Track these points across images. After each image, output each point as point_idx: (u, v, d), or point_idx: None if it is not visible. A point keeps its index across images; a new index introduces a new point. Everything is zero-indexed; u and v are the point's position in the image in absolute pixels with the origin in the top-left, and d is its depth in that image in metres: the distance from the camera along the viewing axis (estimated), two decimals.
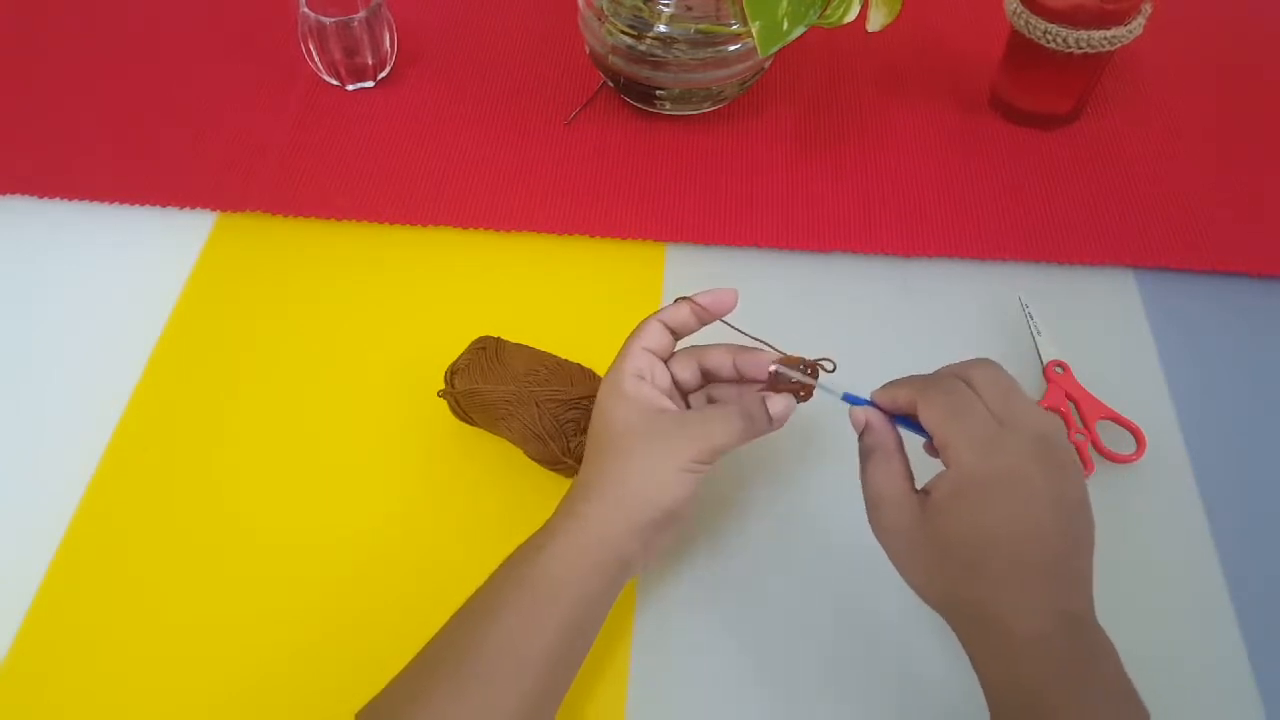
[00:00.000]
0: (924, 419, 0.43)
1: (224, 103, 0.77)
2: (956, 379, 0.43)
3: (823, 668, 0.52)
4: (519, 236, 0.70)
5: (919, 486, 0.44)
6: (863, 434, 0.46)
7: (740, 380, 0.50)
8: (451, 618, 0.45)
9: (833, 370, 0.48)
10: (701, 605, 0.54)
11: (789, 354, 0.48)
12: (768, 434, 0.48)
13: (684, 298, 0.50)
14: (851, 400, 0.46)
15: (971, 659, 0.42)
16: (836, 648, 0.53)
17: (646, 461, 0.46)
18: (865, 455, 0.46)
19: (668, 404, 0.48)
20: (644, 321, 0.50)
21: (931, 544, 0.42)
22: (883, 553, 0.44)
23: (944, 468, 0.42)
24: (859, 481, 0.46)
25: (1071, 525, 0.41)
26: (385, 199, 0.71)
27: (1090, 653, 0.40)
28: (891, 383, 0.46)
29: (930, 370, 0.46)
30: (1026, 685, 0.40)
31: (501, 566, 0.47)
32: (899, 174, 0.73)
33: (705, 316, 0.50)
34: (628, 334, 0.50)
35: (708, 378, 0.51)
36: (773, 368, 0.48)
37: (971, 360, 0.45)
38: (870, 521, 0.45)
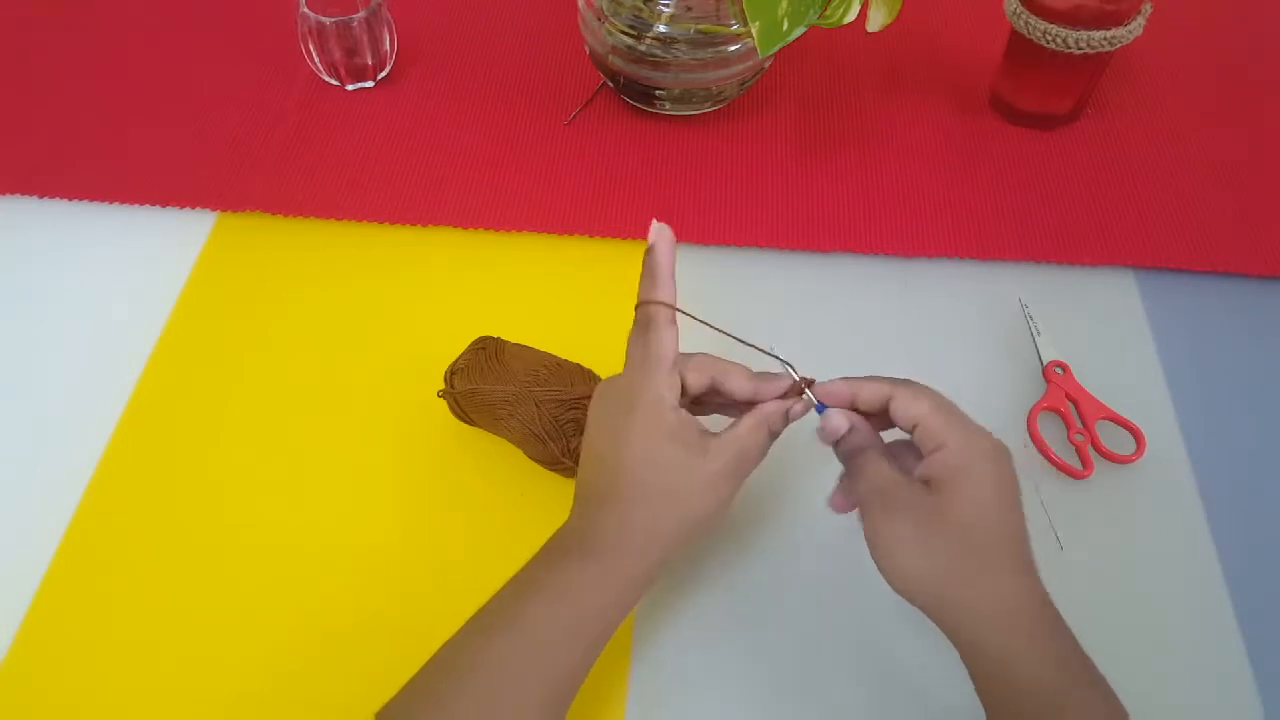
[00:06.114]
0: (907, 411, 0.44)
1: (224, 103, 0.77)
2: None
3: (822, 672, 0.52)
4: (519, 236, 0.70)
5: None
6: (844, 438, 0.46)
7: (751, 404, 0.48)
8: (470, 629, 0.44)
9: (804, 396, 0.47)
10: (701, 610, 0.54)
11: (795, 377, 0.47)
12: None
13: (654, 304, 0.46)
14: (824, 410, 0.46)
15: (964, 655, 0.43)
16: (836, 653, 0.53)
17: (701, 502, 0.45)
18: (853, 455, 0.46)
19: (701, 426, 0.46)
20: (656, 327, 0.46)
21: (930, 523, 0.42)
22: None
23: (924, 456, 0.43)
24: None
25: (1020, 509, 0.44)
26: (385, 199, 0.71)
27: (1066, 632, 0.42)
28: (847, 381, 0.46)
29: (928, 373, 0.46)
30: (1019, 670, 0.41)
31: (531, 586, 0.45)
32: (899, 174, 0.73)
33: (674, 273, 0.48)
34: (627, 334, 0.47)
35: (716, 392, 0.48)
36: (797, 377, 0.47)
37: (897, 379, 0.46)
38: (872, 513, 0.44)
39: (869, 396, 0.45)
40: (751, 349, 0.47)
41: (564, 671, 0.44)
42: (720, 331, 0.48)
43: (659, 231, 0.47)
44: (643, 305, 0.46)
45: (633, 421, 0.45)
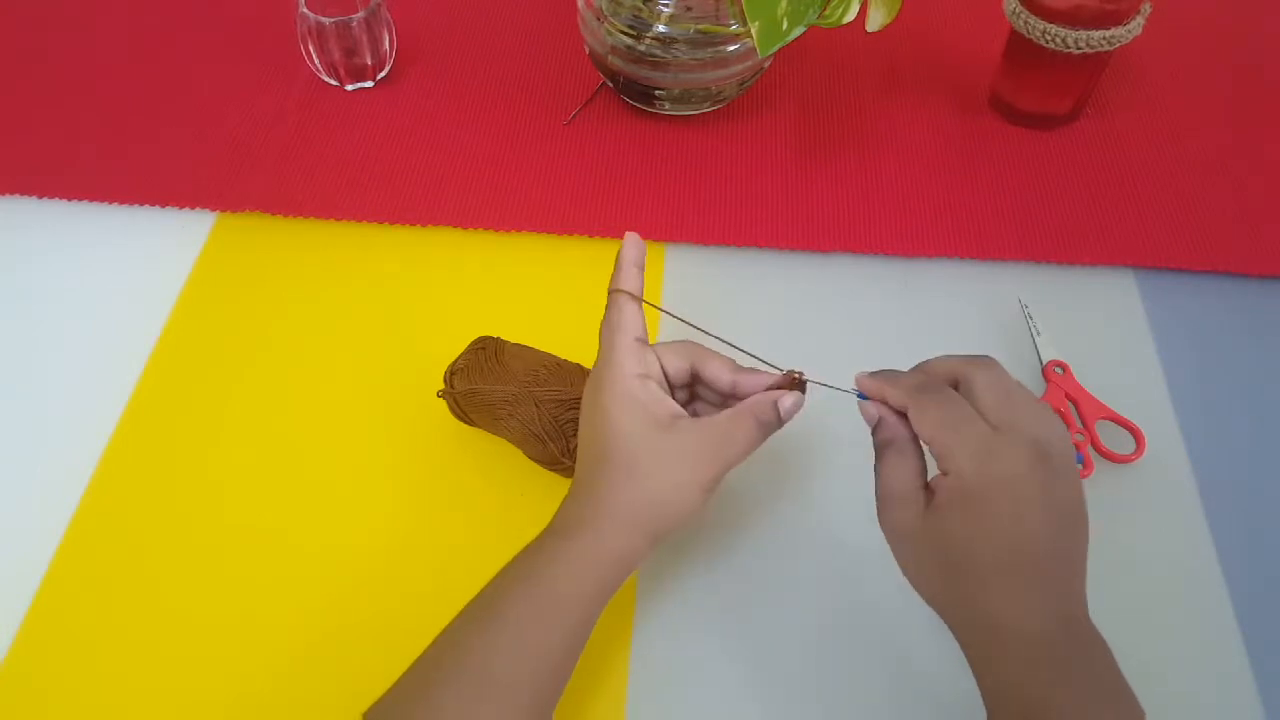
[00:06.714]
0: (918, 428, 0.43)
1: (224, 103, 0.77)
2: (948, 385, 0.44)
3: (823, 668, 0.52)
4: (519, 236, 0.70)
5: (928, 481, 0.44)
6: (875, 429, 0.46)
7: (732, 396, 0.48)
8: (457, 621, 0.45)
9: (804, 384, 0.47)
10: (701, 605, 0.54)
11: (781, 370, 0.47)
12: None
13: (618, 291, 0.48)
14: (864, 396, 0.46)
15: (970, 664, 0.42)
16: (837, 648, 0.53)
17: (668, 478, 0.45)
18: (880, 450, 0.45)
19: (677, 408, 0.47)
20: (619, 304, 0.48)
21: (932, 544, 0.42)
22: (884, 554, 0.44)
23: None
24: (869, 478, 0.45)
25: (1065, 528, 0.41)
26: (385, 199, 0.71)
27: (1087, 654, 0.40)
28: (880, 377, 0.45)
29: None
30: (1025, 690, 0.40)
31: (510, 573, 0.46)
32: (899, 174, 0.73)
33: (642, 268, 0.49)
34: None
35: (696, 382, 0.50)
36: (786, 371, 0.47)
37: (972, 358, 0.44)
38: (879, 516, 0.45)
39: (893, 402, 0.45)
40: (749, 345, 0.48)
41: (546, 656, 0.43)
42: (690, 324, 0.50)
43: (630, 236, 0.50)
44: (610, 294, 0.49)
45: (598, 393, 0.46)
